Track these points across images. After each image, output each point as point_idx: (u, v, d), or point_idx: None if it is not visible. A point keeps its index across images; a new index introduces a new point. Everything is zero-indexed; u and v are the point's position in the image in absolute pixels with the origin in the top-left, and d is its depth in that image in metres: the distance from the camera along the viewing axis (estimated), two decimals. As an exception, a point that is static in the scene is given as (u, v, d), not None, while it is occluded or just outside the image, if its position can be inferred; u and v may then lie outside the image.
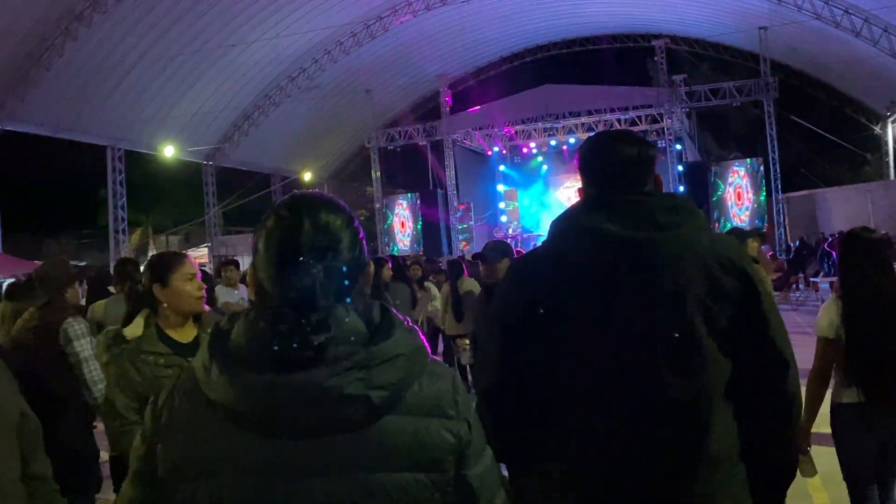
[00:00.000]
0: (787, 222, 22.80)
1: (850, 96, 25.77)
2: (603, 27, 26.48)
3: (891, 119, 24.10)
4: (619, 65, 27.82)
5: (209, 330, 1.24)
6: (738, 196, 21.74)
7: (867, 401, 3.12)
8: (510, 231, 26.34)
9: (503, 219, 27.71)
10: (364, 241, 1.28)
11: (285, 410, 1.10)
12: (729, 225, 20.75)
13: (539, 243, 6.34)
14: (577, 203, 1.91)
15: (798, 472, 3.11)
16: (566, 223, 1.85)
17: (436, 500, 1.17)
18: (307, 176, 27.88)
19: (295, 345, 1.11)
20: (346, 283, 1.18)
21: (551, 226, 1.89)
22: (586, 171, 1.95)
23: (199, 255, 24.74)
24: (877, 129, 25.49)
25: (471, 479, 1.21)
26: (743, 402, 1.75)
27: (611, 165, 1.86)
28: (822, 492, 4.87)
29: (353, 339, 1.14)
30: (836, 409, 3.26)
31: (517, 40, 27.48)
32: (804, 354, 5.34)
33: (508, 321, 1.80)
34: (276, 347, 1.11)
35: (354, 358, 1.12)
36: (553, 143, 26.75)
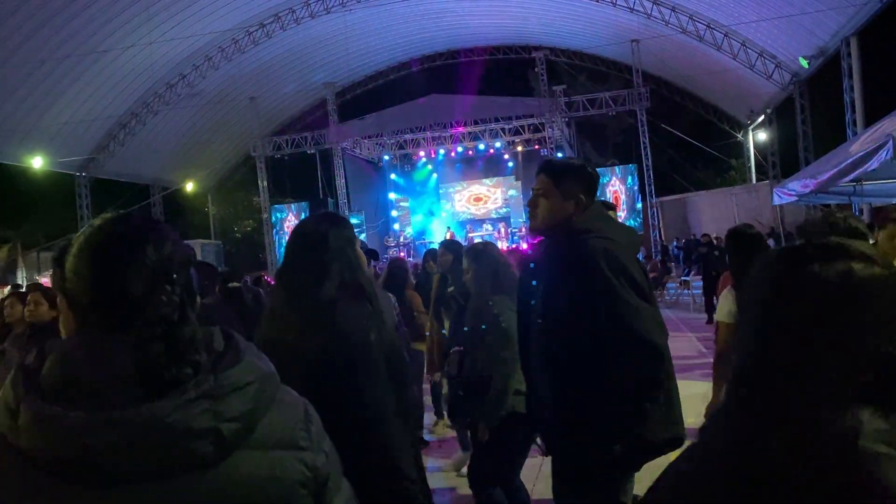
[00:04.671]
0: (661, 224, 24.07)
1: (715, 105, 27.49)
2: (486, 39, 27.11)
3: (751, 127, 25.91)
4: (503, 75, 28.62)
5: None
6: (616, 200, 22.79)
7: None
8: (402, 238, 26.48)
9: (395, 226, 27.82)
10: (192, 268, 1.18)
11: (117, 453, 0.94)
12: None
13: (427, 249, 6.48)
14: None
15: None
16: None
17: None
18: (189, 186, 26.95)
19: (168, 361, 1.01)
20: (188, 307, 1.10)
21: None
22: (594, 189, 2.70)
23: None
24: (739, 136, 27.33)
25: None
26: None
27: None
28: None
29: (195, 368, 1.03)
30: None
31: (403, 50, 27.69)
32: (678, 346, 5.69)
33: None
34: (114, 381, 0.99)
35: (201, 388, 1.00)
36: (441, 151, 27.13)
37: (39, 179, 23.34)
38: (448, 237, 24.97)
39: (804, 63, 19.20)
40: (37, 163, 20.90)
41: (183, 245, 1.13)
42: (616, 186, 23.21)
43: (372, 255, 4.26)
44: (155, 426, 0.95)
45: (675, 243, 22.84)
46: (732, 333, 3.68)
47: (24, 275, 25.83)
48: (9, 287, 17.83)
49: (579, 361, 2.42)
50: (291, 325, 2.14)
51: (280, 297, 2.32)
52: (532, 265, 2.76)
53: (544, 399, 2.57)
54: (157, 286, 1.05)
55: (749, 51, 20.67)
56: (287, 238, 2.45)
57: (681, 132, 25.71)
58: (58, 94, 19.84)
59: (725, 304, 3.80)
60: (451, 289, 4.89)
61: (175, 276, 1.08)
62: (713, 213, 23.29)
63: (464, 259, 4.52)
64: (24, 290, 7.50)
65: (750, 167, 26.94)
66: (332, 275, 2.23)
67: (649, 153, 23.14)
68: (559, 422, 2.51)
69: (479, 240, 22.64)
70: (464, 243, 6.67)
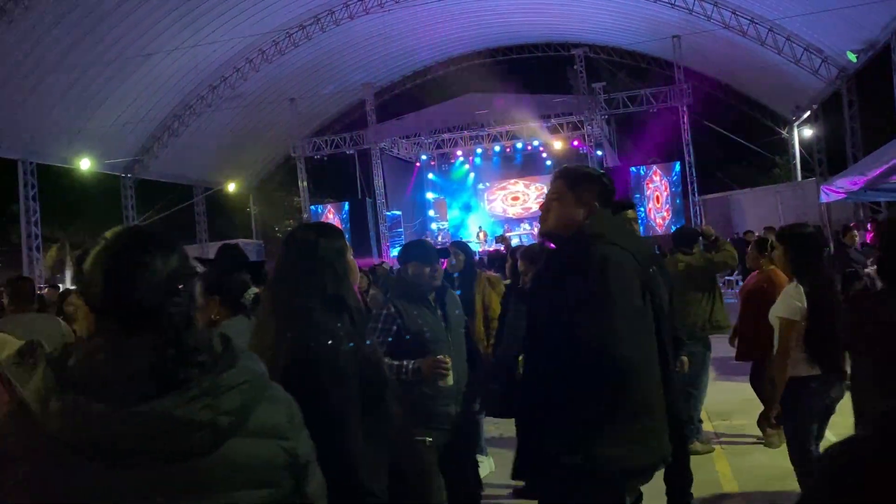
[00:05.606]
0: (704, 223, 23.66)
1: (759, 102, 26.92)
2: (524, 37, 26.96)
3: (796, 123, 25.33)
4: (541, 73, 28.43)
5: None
6: (657, 199, 22.48)
7: (823, 372, 3.63)
8: (439, 238, 26.51)
9: (433, 226, 27.87)
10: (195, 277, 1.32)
11: (132, 440, 1.13)
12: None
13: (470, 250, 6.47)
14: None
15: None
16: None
17: None
18: (231, 187, 27.36)
19: (176, 364, 1.18)
20: (192, 313, 1.27)
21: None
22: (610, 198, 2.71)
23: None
24: (784, 132, 26.74)
25: (309, 494, 1.36)
26: None
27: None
28: (732, 482, 5.12)
29: (199, 369, 1.21)
30: (794, 381, 3.71)
31: (441, 49, 27.69)
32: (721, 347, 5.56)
33: None
34: (136, 376, 1.15)
35: (202, 386, 1.19)
36: (479, 150, 27.07)
37: (86, 181, 23.91)
38: (481, 237, 25.02)
39: (852, 57, 18.68)
40: (84, 164, 21.41)
41: (188, 257, 1.29)
42: (657, 185, 22.89)
43: (443, 253, 4.32)
44: (165, 419, 1.14)
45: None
46: (797, 331, 3.66)
47: (73, 274, 26.51)
48: (60, 286, 18.33)
49: (551, 369, 2.41)
50: (269, 331, 2.19)
51: (266, 303, 2.36)
52: (542, 268, 2.78)
53: (521, 401, 2.59)
54: (168, 296, 1.22)
55: (794, 45, 20.19)
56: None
57: (724, 129, 25.23)
58: (104, 98, 20.30)
59: (789, 300, 3.73)
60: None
61: (182, 286, 1.24)
62: (757, 211, 22.78)
63: (520, 262, 4.57)
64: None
65: (795, 164, 26.33)
66: (315, 285, 2.25)
67: (691, 151, 22.78)
68: (528, 424, 2.52)
69: (516, 239, 22.70)
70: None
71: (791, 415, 3.80)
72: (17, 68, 17.03)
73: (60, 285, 19.67)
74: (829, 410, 3.83)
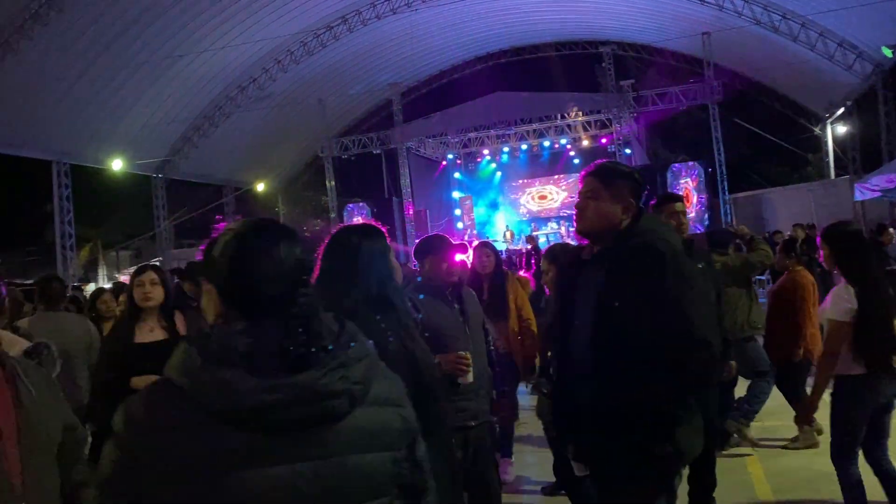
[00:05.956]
0: (734, 222, 23.35)
1: (791, 99, 26.48)
2: (551, 34, 26.81)
3: (829, 120, 24.88)
4: (568, 71, 28.23)
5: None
6: (687, 198, 22.22)
7: (871, 371, 3.60)
8: (466, 237, 26.46)
9: (459, 225, 27.85)
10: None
11: (282, 408, 1.25)
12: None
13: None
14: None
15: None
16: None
17: (395, 475, 1.40)
18: (260, 187, 27.59)
19: (295, 353, 1.29)
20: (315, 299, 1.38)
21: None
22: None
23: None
24: (817, 129, 26.29)
25: (419, 458, 1.47)
26: None
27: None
28: (765, 485, 5.04)
29: (331, 345, 1.34)
30: (842, 380, 3.68)
31: (468, 48, 27.66)
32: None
33: None
34: (282, 356, 1.28)
35: (337, 360, 1.32)
36: (506, 149, 26.97)
37: (118, 181, 24.27)
38: (507, 237, 24.93)
39: (888, 52, 18.28)
40: (116, 165, 21.72)
41: (310, 249, 1.44)
42: (687, 182, 22.63)
43: (460, 248, 4.31)
44: (310, 389, 1.27)
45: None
46: (846, 332, 3.60)
47: (105, 273, 26.97)
48: (91, 284, 18.63)
49: (634, 362, 2.41)
50: None
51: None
52: (580, 266, 2.73)
53: (582, 404, 2.55)
54: (295, 286, 1.34)
55: (827, 41, 19.83)
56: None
57: (755, 126, 24.89)
58: (135, 100, 20.58)
59: (839, 301, 3.65)
60: None
61: (306, 277, 1.38)
62: (789, 209, 22.41)
63: (543, 260, 4.51)
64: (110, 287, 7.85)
65: (828, 162, 25.85)
66: (360, 286, 2.26)
67: (721, 148, 22.50)
68: (602, 428, 2.49)
69: (544, 238, 22.60)
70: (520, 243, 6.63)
71: (839, 415, 3.73)
72: (51, 71, 17.34)
73: (93, 284, 20.00)
74: (887, 408, 3.77)
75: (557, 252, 4.33)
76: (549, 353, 4.09)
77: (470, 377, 3.29)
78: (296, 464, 1.26)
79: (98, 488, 1.32)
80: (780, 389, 5.89)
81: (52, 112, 18.54)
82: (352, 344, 1.38)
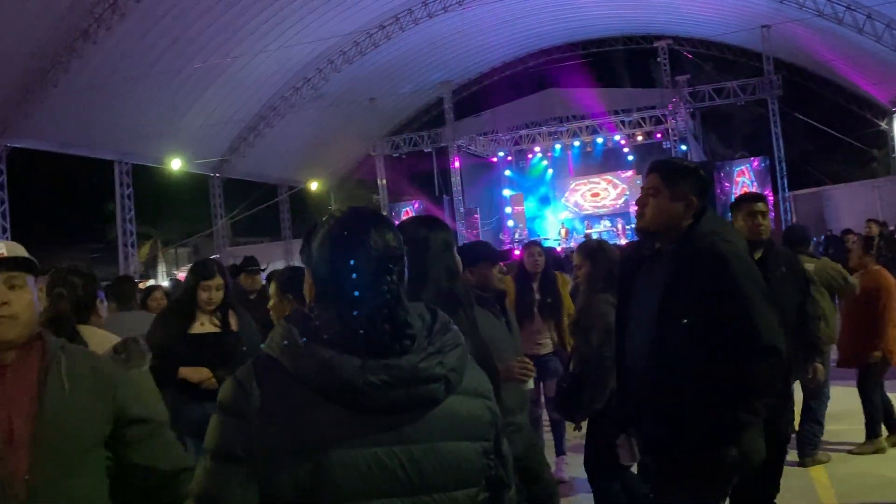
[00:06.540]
0: (794, 220, 22.71)
1: (855, 92, 25.64)
2: (605, 30, 26.50)
3: (896, 114, 24.00)
4: (622, 67, 27.86)
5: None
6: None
7: None
8: (516, 236, 26.34)
9: (509, 223, 27.72)
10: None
11: (382, 389, 1.28)
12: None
13: (544, 247, 6.36)
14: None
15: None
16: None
17: (483, 466, 1.42)
18: (314, 185, 27.97)
19: (392, 337, 1.32)
20: (406, 288, 1.41)
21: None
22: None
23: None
24: (883, 124, 25.38)
25: (504, 452, 1.48)
26: None
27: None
28: (829, 490, 4.87)
29: (425, 332, 1.38)
30: None
31: (519, 45, 27.53)
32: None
33: None
34: (376, 339, 1.31)
35: (433, 346, 1.36)
36: (558, 146, 26.73)
37: (177, 180, 24.91)
38: (563, 234, 24.70)
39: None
40: (175, 164, 22.30)
41: (399, 238, 1.42)
42: (744, 180, 22.09)
43: (502, 256, 4.25)
44: (411, 371, 1.30)
45: (814, 240, 21.39)
46: None
47: (164, 269, 27.70)
48: (151, 281, 19.17)
49: (697, 364, 2.38)
50: None
51: None
52: (640, 265, 2.70)
53: (644, 400, 2.55)
54: (379, 275, 1.35)
55: (894, 32, 19.10)
56: None
57: (816, 122, 24.14)
58: (194, 100, 21.09)
59: None
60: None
61: (393, 265, 1.38)
62: (853, 207, 21.68)
63: (575, 255, 4.43)
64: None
65: (895, 157, 24.96)
66: (430, 280, 2.22)
67: (781, 144, 21.89)
68: (665, 424, 2.46)
69: (597, 236, 22.35)
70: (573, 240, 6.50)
71: None
72: (113, 73, 17.89)
73: (152, 280, 20.57)
74: None
75: (593, 248, 4.23)
76: (571, 348, 4.04)
77: (531, 383, 3.25)
78: (393, 446, 1.29)
79: (206, 461, 1.33)
80: (862, 395, 5.60)
81: (115, 114, 19.13)
82: (447, 332, 1.40)
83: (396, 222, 1.79)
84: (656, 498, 2.69)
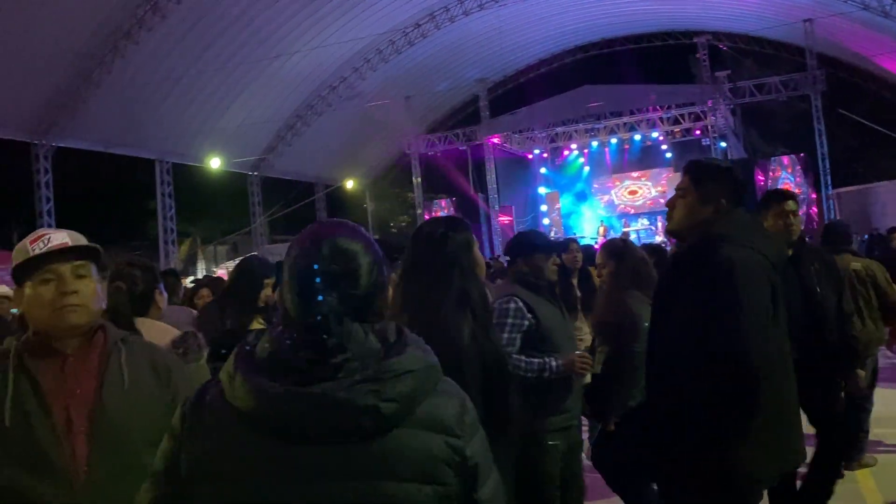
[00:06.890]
0: (837, 219, 22.18)
1: (903, 87, 24.98)
2: (643, 26, 26.18)
3: (946, 109, 23.30)
4: (661, 63, 27.46)
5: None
6: (786, 193, 21.25)
7: None
8: (552, 234, 26.18)
9: (545, 221, 27.57)
10: (383, 265, 1.34)
11: (302, 418, 1.19)
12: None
13: (581, 245, 6.33)
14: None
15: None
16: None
17: None
18: (350, 184, 28.14)
19: (313, 363, 1.21)
20: (363, 305, 1.28)
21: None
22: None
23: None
24: (932, 120, 24.64)
25: (480, 500, 1.28)
26: None
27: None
28: (876, 494, 4.76)
29: (367, 356, 1.23)
30: None
31: (556, 42, 27.34)
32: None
33: None
34: (294, 364, 1.22)
35: (366, 373, 1.21)
36: (594, 144, 26.48)
37: (216, 179, 25.28)
38: (601, 231, 24.46)
39: None
40: (214, 163, 22.62)
41: (365, 254, 1.30)
42: (786, 177, 21.64)
43: (560, 246, 4.30)
44: (329, 400, 1.18)
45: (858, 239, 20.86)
46: None
47: (203, 267, 28.13)
48: (190, 278, 19.47)
49: (680, 374, 2.36)
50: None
51: (396, 297, 2.34)
52: (669, 267, 2.71)
53: (654, 405, 2.56)
54: (316, 294, 1.24)
55: (944, 24, 18.57)
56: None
57: (862, 118, 23.53)
58: (232, 100, 21.38)
59: None
60: None
61: (337, 283, 1.26)
62: (900, 204, 21.13)
63: (599, 255, 4.42)
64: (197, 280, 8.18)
65: (945, 154, 24.24)
66: (444, 279, 2.26)
67: (824, 141, 21.41)
68: (665, 424, 2.46)
69: (634, 234, 22.11)
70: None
71: None
72: (154, 74, 18.21)
73: (191, 277, 20.88)
74: None
75: (619, 247, 4.21)
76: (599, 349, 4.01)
77: (588, 377, 3.24)
78: (323, 480, 1.19)
79: (149, 477, 1.33)
80: None
81: (156, 113, 19.47)
82: (398, 355, 1.25)
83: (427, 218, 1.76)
84: (663, 499, 2.69)
